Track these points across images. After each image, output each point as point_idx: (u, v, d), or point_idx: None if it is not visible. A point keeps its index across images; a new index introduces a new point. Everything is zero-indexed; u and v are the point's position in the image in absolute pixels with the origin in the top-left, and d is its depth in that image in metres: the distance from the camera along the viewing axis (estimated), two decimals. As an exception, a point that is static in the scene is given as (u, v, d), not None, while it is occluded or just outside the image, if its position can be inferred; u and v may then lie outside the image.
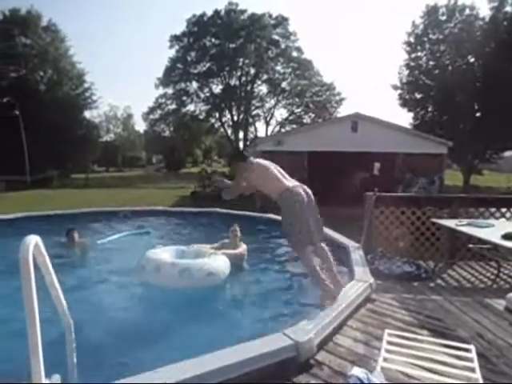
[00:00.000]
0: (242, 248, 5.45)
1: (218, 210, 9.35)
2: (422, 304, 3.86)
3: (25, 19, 31.87)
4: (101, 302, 4.33)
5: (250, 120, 48.64)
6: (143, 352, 3.11)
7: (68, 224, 6.65)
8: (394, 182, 14.75)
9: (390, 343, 2.59)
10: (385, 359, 2.42)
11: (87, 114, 37.53)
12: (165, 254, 4.77)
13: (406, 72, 28.64)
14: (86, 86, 35.58)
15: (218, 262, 4.66)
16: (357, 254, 4.93)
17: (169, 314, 4.01)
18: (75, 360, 2.31)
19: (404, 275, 4.77)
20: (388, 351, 2.51)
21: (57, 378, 1.92)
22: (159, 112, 47.73)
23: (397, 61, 32.36)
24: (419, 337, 2.87)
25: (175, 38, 45.36)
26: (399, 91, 28.88)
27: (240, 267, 5.31)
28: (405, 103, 28.62)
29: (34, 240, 1.72)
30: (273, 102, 48.15)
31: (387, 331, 2.79)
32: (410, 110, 28.60)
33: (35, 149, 27.35)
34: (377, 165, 18.23)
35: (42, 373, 1.73)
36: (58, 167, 29.89)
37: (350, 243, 5.46)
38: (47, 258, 1.93)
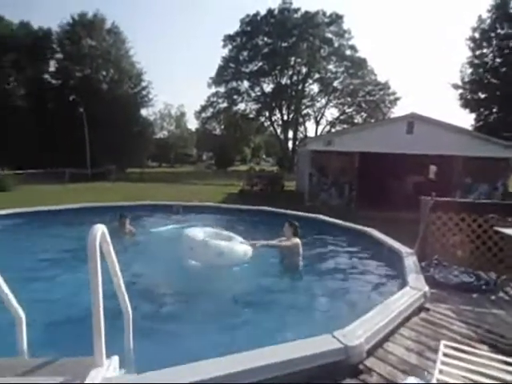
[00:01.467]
0: (291, 242, 5.25)
1: (265, 208, 9.49)
2: (482, 317, 3.61)
3: (91, 22, 34.17)
4: (144, 282, 4.66)
5: (300, 119, 48.32)
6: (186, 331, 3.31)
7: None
8: (452, 186, 13.92)
9: (446, 355, 2.45)
10: (440, 371, 2.29)
11: (143, 111, 39.49)
12: (199, 233, 5.30)
13: (469, 70, 26.91)
14: (143, 84, 37.39)
15: (233, 245, 5.08)
16: (410, 260, 4.72)
17: (208, 300, 4.24)
18: (132, 343, 2.44)
19: (462, 285, 4.49)
20: (444, 363, 2.37)
21: (115, 358, 2.05)
22: (211, 110, 48.93)
23: (458, 58, 30.64)
24: (478, 351, 2.68)
25: (229, 38, 46.19)
26: (460, 91, 27.22)
27: (295, 264, 5.29)
28: (466, 103, 26.91)
29: (100, 229, 1.85)
30: (324, 101, 47.53)
31: (443, 342, 2.63)
32: (472, 111, 26.83)
33: (95, 144, 29.18)
34: (433, 168, 17.31)
35: (104, 352, 1.86)
36: (115, 162, 31.65)
37: (403, 249, 5.24)
38: (111, 247, 2.06)
